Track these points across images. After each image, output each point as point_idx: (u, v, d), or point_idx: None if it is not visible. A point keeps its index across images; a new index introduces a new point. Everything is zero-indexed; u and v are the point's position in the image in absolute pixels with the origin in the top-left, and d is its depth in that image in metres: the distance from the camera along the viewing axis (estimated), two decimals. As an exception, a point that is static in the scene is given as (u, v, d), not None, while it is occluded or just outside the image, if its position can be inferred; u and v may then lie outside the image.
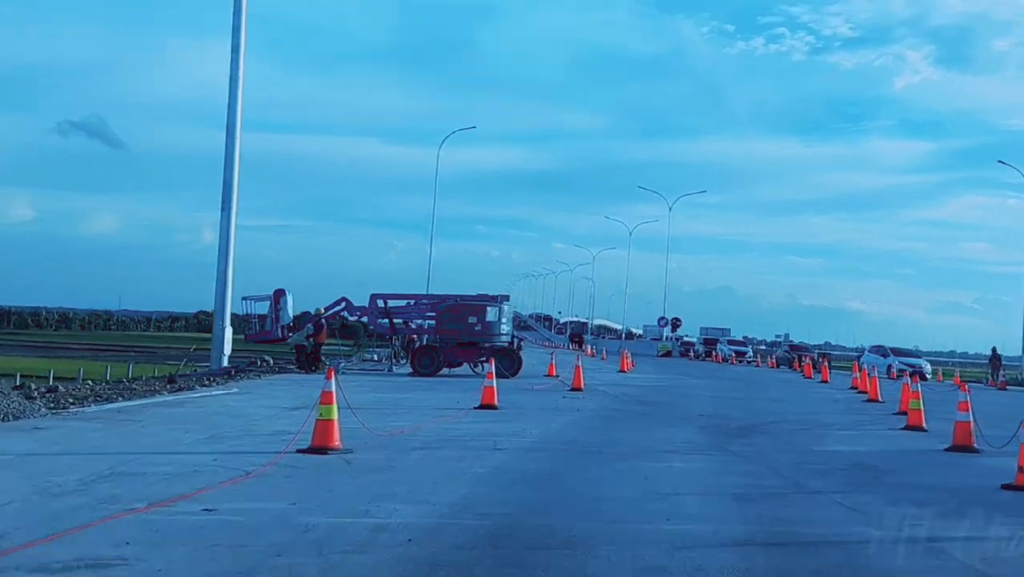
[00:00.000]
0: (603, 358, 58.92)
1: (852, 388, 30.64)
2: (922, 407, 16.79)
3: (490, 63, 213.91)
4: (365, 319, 31.00)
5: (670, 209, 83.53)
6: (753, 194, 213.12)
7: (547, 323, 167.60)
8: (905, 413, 19.73)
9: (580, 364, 24.79)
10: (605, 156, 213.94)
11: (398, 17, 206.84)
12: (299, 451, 10.40)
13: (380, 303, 30.50)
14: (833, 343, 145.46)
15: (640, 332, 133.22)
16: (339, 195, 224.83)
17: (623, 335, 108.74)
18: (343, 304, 30.70)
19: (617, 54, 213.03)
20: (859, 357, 52.59)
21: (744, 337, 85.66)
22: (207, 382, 22.88)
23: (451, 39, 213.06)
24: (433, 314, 30.42)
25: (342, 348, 42.51)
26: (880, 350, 47.85)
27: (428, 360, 29.39)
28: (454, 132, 62.94)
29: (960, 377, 41.59)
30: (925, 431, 16.19)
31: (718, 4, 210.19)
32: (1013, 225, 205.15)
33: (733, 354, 64.19)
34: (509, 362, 29.58)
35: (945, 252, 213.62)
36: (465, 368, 29.96)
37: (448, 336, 30.08)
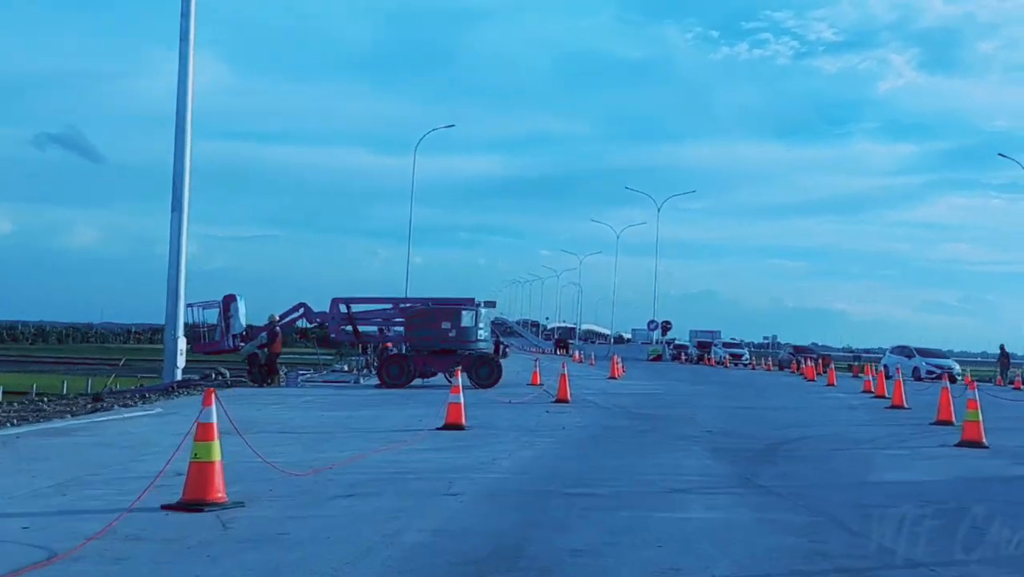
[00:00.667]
0: (592, 363, 55.99)
1: (865, 392, 27.75)
2: (980, 418, 13.79)
3: (474, 69, 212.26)
4: (327, 325, 27.86)
5: (659, 210, 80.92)
6: (738, 198, 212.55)
7: (535, 329, 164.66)
8: (946, 423, 16.92)
9: (566, 372, 21.78)
10: (591, 162, 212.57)
11: (381, 24, 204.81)
12: (165, 507, 7.35)
13: (342, 308, 27.40)
14: (820, 344, 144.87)
15: (630, 336, 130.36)
16: (322, 204, 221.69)
17: (612, 339, 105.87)
18: (300, 310, 27.60)
19: (602, 60, 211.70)
20: (880, 358, 49.26)
21: (732, 339, 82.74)
22: (133, 401, 19.79)
23: (435, 46, 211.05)
24: (402, 320, 27.40)
25: (323, 357, 39.46)
26: (904, 350, 43.50)
27: (397, 370, 26.34)
28: (432, 131, 60.14)
29: (970, 377, 38.83)
30: (986, 448, 13.24)
31: (703, 10, 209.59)
32: (997, 225, 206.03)
33: (728, 357, 61.13)
34: (488, 371, 26.61)
35: (930, 253, 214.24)
36: (440, 378, 26.95)
37: (420, 343, 27.06)
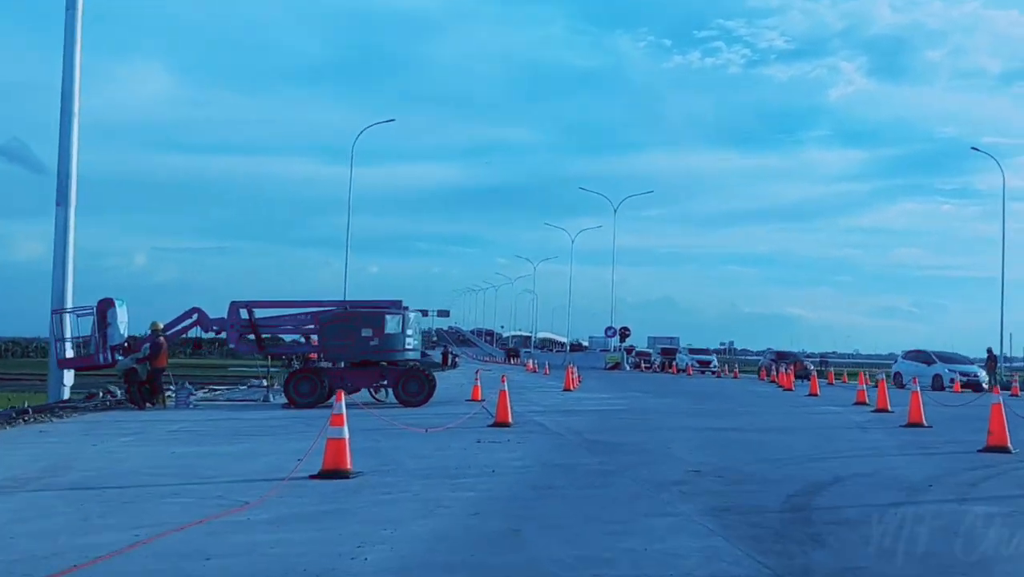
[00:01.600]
0: (546, 373, 51.74)
1: (859, 403, 23.77)
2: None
3: (427, 80, 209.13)
4: (226, 334, 23.24)
5: (615, 211, 77.05)
6: (693, 205, 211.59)
7: (489, 338, 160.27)
8: (1000, 449, 12.98)
9: (506, 387, 17.51)
10: (546, 171, 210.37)
11: (334, 34, 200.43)
12: None
13: (243, 313, 22.82)
14: (776, 349, 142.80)
15: (587, 344, 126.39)
16: (273, 215, 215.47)
17: (568, 347, 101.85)
18: (194, 316, 22.96)
19: (555, 70, 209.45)
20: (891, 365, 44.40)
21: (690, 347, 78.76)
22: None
23: (387, 55, 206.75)
24: (315, 326, 22.94)
25: (270, 369, 34.45)
26: (921, 356, 37.64)
27: (308, 387, 21.87)
28: (371, 126, 55.61)
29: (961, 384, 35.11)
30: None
31: (655, 19, 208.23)
32: (946, 230, 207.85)
33: (691, 365, 56.77)
34: (417, 386, 22.29)
35: (881, 258, 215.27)
36: (364, 394, 22.61)
37: (336, 354, 22.62)
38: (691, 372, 54.30)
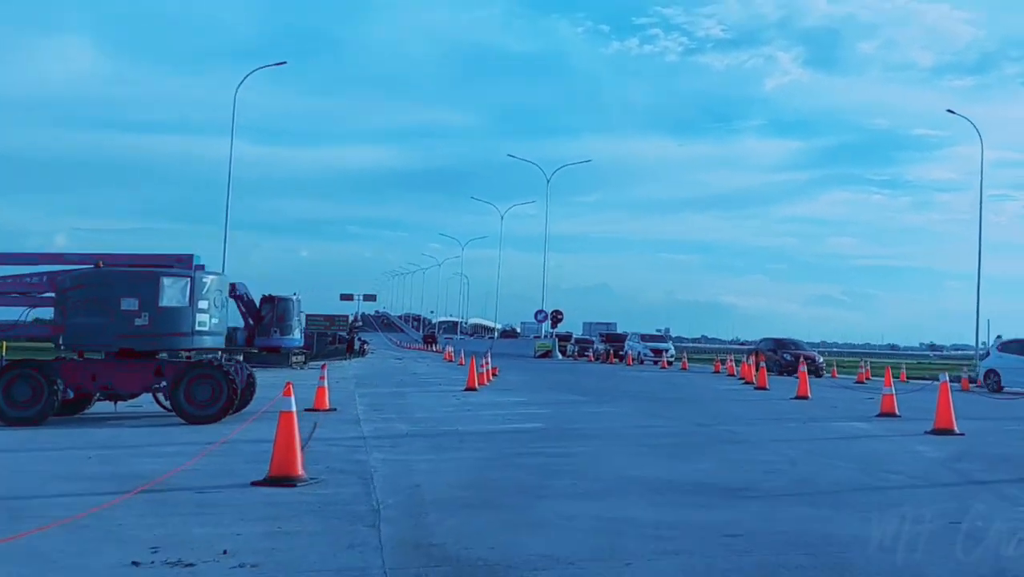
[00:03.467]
0: (461, 363, 43.39)
1: (886, 414, 16.13)
2: None
3: (361, 61, 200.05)
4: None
5: (548, 182, 69.08)
6: (631, 192, 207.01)
7: (416, 323, 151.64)
8: None
9: (325, 383, 9.60)
10: (483, 155, 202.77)
11: (266, 14, 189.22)
12: None
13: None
14: (710, 336, 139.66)
15: (520, 330, 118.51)
16: (204, 196, 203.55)
17: (497, 333, 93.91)
18: None
19: (492, 53, 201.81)
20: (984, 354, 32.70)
21: (659, 330, 70.83)
22: None
23: (323, 35, 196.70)
24: (52, 295, 14.47)
25: None
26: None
27: (27, 391, 13.47)
28: (257, 69, 46.47)
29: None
30: None
31: (593, 4, 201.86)
32: (878, 220, 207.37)
33: (643, 354, 47.66)
34: (210, 391, 13.94)
35: (815, 247, 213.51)
36: (143, 401, 14.38)
37: (82, 337, 14.22)
38: (644, 362, 46.14)
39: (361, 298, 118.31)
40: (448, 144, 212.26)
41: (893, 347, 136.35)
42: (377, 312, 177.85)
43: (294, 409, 8.32)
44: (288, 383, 8.52)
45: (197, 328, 14.27)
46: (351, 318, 76.19)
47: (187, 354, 14.67)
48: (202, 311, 14.36)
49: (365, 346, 61.79)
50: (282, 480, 8.09)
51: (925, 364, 68.61)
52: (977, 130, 47.30)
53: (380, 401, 18.97)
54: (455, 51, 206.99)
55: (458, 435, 12.63)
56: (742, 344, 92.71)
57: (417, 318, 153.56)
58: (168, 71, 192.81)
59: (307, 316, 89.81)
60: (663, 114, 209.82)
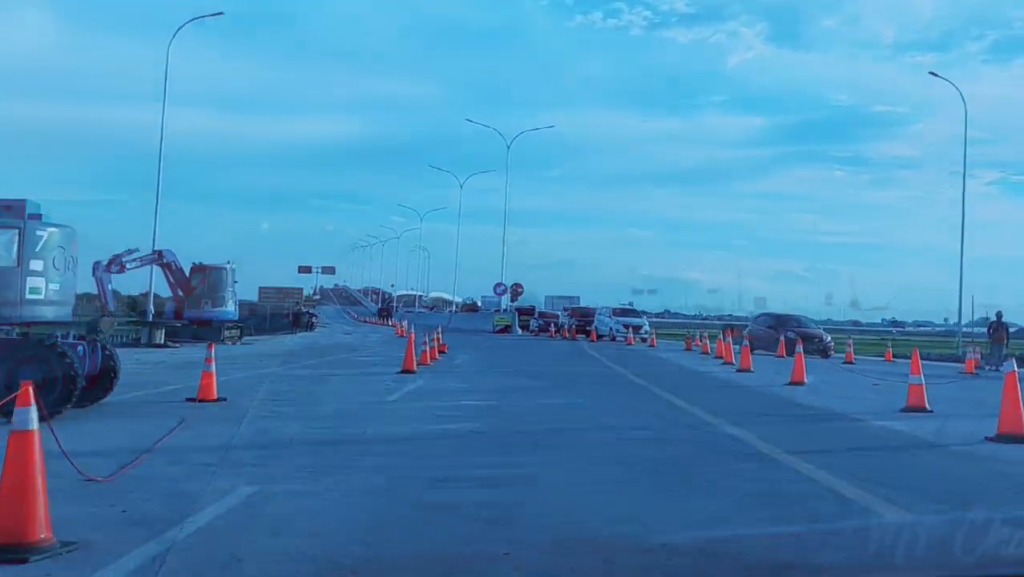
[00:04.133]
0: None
1: (913, 407, 13.07)
2: None
3: (319, 32, 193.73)
4: None
5: (508, 148, 65.53)
6: (594, 167, 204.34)
7: (376, 297, 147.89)
8: None
9: (213, 367, 7.04)
10: (445, 128, 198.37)
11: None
12: None
13: None
14: (672, 311, 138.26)
15: (481, 304, 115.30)
16: (164, 168, 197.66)
17: (456, 307, 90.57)
18: None
19: (453, 24, 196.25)
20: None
21: (629, 304, 66.69)
22: None
23: (279, 7, 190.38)
24: None
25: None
26: None
27: None
28: (192, 20, 42.40)
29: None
30: None
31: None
32: (839, 197, 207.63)
33: (616, 330, 43.85)
34: (43, 377, 10.43)
35: (776, 223, 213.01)
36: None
37: None
38: (616, 339, 42.59)
39: (319, 271, 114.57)
40: (409, 116, 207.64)
41: (856, 323, 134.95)
42: (336, 285, 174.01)
43: (34, 428, 4.95)
44: (25, 384, 5.10)
45: (28, 295, 10.84)
46: (311, 292, 72.47)
47: (18, 330, 11.23)
48: (35, 273, 10.92)
49: (313, 320, 58.12)
50: (6, 551, 4.74)
51: (900, 341, 66.35)
52: (962, 96, 44.57)
53: (290, 386, 15.66)
54: (416, 22, 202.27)
55: (362, 442, 9.31)
56: (704, 319, 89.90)
57: (378, 292, 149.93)
58: (123, 41, 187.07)
59: (259, 289, 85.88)
60: (627, 89, 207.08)
